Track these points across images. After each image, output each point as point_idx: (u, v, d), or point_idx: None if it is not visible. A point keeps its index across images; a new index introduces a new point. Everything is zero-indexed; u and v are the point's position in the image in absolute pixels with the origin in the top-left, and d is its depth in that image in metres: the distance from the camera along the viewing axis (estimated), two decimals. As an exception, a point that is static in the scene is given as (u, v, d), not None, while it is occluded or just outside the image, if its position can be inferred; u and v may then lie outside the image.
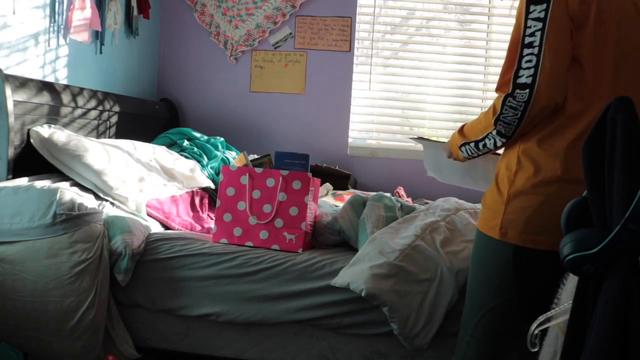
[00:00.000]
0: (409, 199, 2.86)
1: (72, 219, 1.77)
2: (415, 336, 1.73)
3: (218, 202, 2.04)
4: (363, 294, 1.69)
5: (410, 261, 1.78)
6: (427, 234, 1.91)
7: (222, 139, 3.02)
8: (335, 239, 2.06)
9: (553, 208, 1.27)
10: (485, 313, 1.46)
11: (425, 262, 1.80)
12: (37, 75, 2.29)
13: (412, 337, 1.73)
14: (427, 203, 2.90)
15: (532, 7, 1.31)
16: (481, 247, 1.49)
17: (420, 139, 1.90)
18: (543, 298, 1.29)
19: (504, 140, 1.41)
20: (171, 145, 2.87)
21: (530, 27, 1.31)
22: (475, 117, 1.54)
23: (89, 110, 2.44)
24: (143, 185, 2.20)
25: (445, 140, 1.71)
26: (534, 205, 1.36)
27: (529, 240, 1.37)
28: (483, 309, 1.47)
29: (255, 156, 2.38)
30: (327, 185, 2.92)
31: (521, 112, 1.33)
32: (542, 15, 1.30)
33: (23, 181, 1.92)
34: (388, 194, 2.19)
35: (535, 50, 1.31)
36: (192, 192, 2.56)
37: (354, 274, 1.75)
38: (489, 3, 3.34)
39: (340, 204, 2.48)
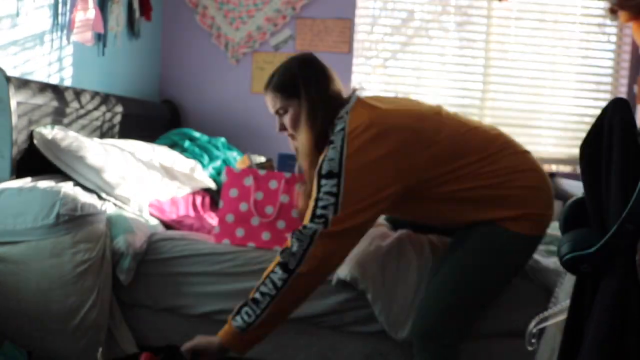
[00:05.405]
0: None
1: (75, 219, 1.78)
2: (401, 325, 1.72)
3: (221, 203, 2.05)
4: (348, 279, 1.74)
5: (398, 250, 1.79)
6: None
7: (223, 139, 3.03)
8: None
9: None
10: None
11: (414, 252, 1.79)
12: (40, 75, 2.30)
13: (396, 327, 1.72)
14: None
15: None
16: None
17: None
18: None
19: None
20: (173, 146, 2.88)
21: None
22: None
23: (92, 111, 2.46)
24: (144, 184, 2.21)
25: None
26: None
27: None
28: None
29: (256, 157, 2.39)
30: (328, 186, 2.92)
31: None
32: None
33: (26, 181, 1.93)
34: None
35: None
36: (194, 192, 2.58)
37: (345, 265, 1.78)
38: (488, 5, 3.35)
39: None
